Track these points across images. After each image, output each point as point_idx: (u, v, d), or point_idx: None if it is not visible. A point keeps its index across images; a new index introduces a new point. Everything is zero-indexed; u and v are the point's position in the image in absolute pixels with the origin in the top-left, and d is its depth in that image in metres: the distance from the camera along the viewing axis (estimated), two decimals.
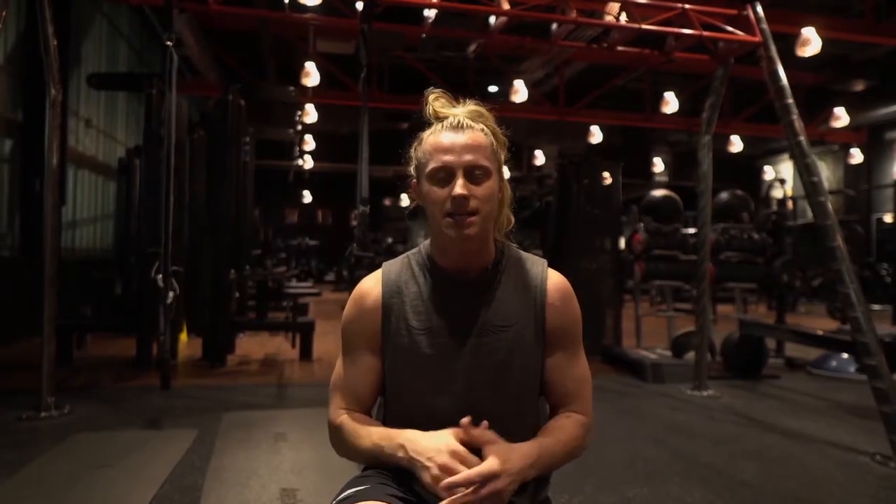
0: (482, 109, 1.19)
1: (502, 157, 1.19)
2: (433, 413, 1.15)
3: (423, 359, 1.17)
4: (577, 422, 1.22)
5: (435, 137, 1.15)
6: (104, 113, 9.71)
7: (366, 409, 1.25)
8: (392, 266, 1.26)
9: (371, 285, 1.24)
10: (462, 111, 1.17)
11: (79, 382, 4.90)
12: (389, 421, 1.22)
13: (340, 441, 1.21)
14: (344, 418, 1.21)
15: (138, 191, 6.63)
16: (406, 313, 1.19)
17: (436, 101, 1.19)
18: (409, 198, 1.26)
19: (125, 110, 10.71)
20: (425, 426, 1.12)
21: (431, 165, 1.13)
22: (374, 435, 1.15)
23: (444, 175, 1.12)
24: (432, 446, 1.06)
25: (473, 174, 1.12)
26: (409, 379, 1.19)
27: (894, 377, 3.61)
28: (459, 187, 1.10)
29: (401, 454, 1.08)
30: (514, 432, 1.13)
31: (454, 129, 1.14)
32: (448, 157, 1.12)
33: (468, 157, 1.11)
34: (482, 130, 1.15)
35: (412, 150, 1.21)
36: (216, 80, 9.83)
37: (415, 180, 1.21)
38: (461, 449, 1.05)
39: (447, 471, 1.02)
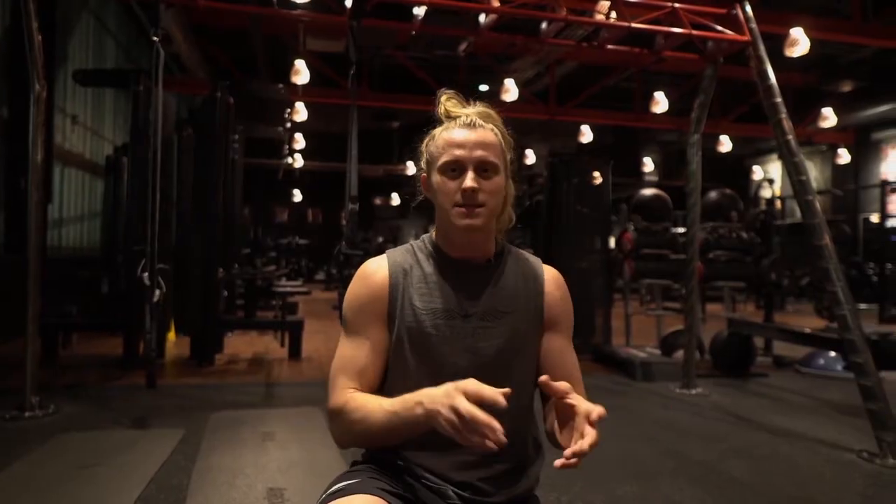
0: (491, 111, 1.25)
1: (509, 158, 1.24)
2: None
3: (427, 339, 1.19)
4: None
5: (448, 133, 1.21)
6: (91, 110, 9.61)
7: (371, 390, 1.21)
8: (396, 251, 1.30)
9: (377, 265, 1.26)
10: (473, 111, 1.23)
11: (64, 381, 4.84)
12: None
13: (345, 424, 1.16)
14: (348, 397, 1.17)
15: (126, 189, 6.57)
16: (411, 294, 1.22)
17: (448, 101, 1.25)
18: (418, 191, 1.30)
19: (113, 107, 10.61)
20: None
21: (444, 159, 1.19)
22: (386, 404, 1.12)
23: (456, 168, 1.18)
24: (449, 389, 1.01)
25: (483, 169, 1.18)
26: (413, 359, 1.20)
27: (881, 375, 3.65)
28: (470, 180, 1.16)
29: (419, 410, 1.04)
30: (514, 416, 1.13)
31: (467, 126, 1.20)
32: (460, 152, 1.18)
33: (479, 153, 1.18)
34: (492, 130, 1.21)
35: (423, 145, 1.27)
36: (205, 77, 9.77)
37: (424, 174, 1.27)
38: (472, 389, 0.99)
39: (465, 414, 0.96)
